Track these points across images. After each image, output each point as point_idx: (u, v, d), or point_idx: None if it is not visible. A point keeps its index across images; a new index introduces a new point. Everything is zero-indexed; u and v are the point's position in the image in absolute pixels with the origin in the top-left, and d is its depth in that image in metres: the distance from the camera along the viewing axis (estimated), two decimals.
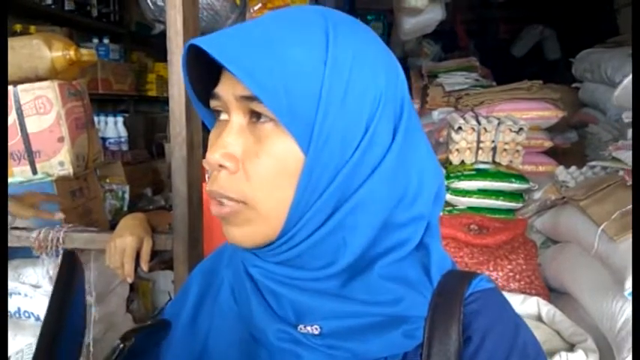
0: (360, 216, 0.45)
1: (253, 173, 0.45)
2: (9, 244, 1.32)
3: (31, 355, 0.93)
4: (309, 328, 0.47)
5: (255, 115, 0.45)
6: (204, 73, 0.49)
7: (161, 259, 1.75)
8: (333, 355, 0.47)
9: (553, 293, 1.71)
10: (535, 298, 1.52)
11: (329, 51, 0.43)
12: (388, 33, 4.61)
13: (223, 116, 0.48)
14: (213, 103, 0.48)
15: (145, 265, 1.16)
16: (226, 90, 0.46)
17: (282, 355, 0.48)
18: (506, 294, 1.64)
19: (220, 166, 0.45)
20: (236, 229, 0.47)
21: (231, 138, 0.45)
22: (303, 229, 0.45)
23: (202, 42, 0.43)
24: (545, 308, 1.48)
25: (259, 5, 2.46)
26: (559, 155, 2.49)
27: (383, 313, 0.47)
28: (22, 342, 1.32)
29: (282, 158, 0.44)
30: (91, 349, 1.40)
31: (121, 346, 0.48)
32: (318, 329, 0.47)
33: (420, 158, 0.49)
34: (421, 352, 0.44)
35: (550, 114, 2.40)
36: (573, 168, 2.07)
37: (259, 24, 0.45)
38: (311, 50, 0.43)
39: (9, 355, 1.33)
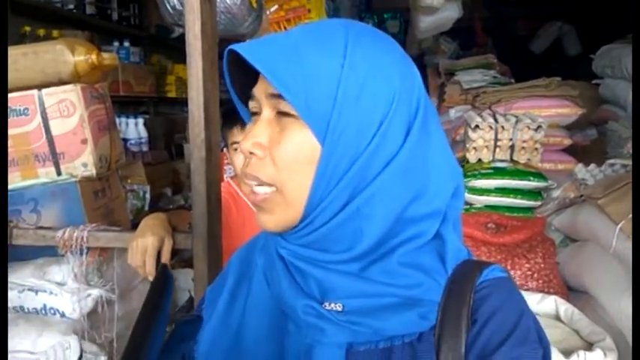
0: (376, 206, 0.50)
1: (277, 158, 0.51)
2: (35, 243, 1.36)
3: (63, 353, 0.98)
4: (333, 305, 0.52)
5: (282, 113, 0.51)
6: (246, 78, 0.55)
7: (181, 258, 1.78)
8: (355, 330, 0.51)
9: (571, 292, 1.70)
10: (553, 297, 1.51)
11: (346, 57, 0.49)
12: (405, 31, 4.60)
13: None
14: (251, 105, 0.55)
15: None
16: (260, 89, 0.53)
17: (308, 329, 0.53)
18: (524, 293, 1.64)
19: (250, 153, 0.52)
20: (267, 215, 0.53)
21: (260, 129, 0.52)
22: (322, 214, 0.51)
23: (239, 47, 0.50)
24: (564, 307, 1.47)
25: (275, 7, 2.48)
26: (578, 153, 2.46)
27: (400, 295, 0.51)
28: (49, 337, 1.36)
29: (300, 146, 0.50)
30: (115, 344, 1.43)
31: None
32: (341, 306, 0.52)
33: (437, 158, 0.53)
34: (434, 332, 0.50)
35: (569, 111, 2.37)
36: (593, 166, 2.05)
37: (289, 35, 0.53)
38: (330, 56, 0.49)
39: (36, 351, 1.37)
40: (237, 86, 0.58)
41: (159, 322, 0.56)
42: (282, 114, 0.51)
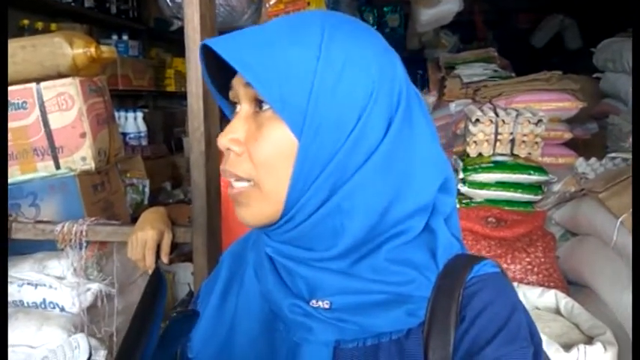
0: (357, 201, 0.49)
1: (254, 155, 0.50)
2: (34, 238, 1.36)
3: (72, 353, 0.98)
4: (320, 302, 0.52)
5: (259, 104, 0.51)
6: (226, 70, 0.54)
7: (181, 252, 1.78)
8: (342, 327, 0.51)
9: (572, 286, 1.70)
10: (553, 291, 1.51)
11: (322, 49, 0.48)
12: (405, 25, 4.58)
13: (238, 108, 0.54)
14: (231, 95, 0.55)
15: (165, 258, 1.19)
16: (237, 79, 0.52)
17: (296, 327, 0.53)
18: (524, 287, 1.63)
19: (228, 149, 0.52)
20: (244, 209, 0.53)
21: (237, 125, 0.52)
22: (302, 210, 0.50)
23: (211, 42, 0.50)
24: (564, 301, 1.47)
25: (275, 0, 2.47)
26: (579, 147, 2.45)
27: (389, 292, 0.50)
28: (48, 331, 1.36)
29: (277, 142, 0.49)
30: (115, 338, 1.43)
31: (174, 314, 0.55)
32: (329, 304, 0.51)
33: (422, 151, 0.52)
34: (423, 329, 0.49)
35: (570, 105, 2.36)
36: (593, 159, 2.05)
37: (263, 28, 0.51)
38: (305, 48, 0.48)
39: (35, 345, 1.37)
40: (218, 81, 0.57)
41: (153, 323, 0.55)
42: (259, 108, 0.51)
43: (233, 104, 0.55)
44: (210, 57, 0.53)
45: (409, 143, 0.51)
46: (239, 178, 0.52)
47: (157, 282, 0.60)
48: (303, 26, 0.50)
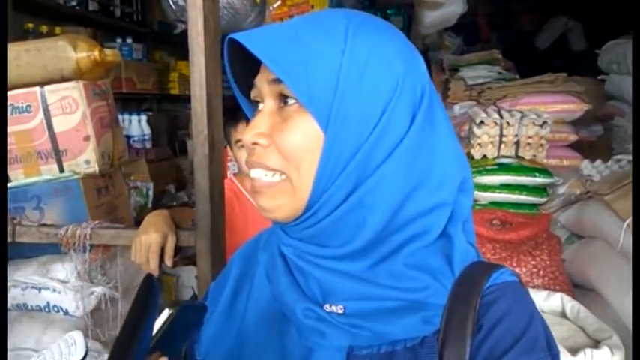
0: (379, 196, 0.49)
1: (282, 146, 0.50)
2: (38, 241, 1.36)
3: (68, 350, 0.97)
4: (334, 307, 0.51)
5: (283, 100, 0.51)
6: (248, 70, 0.54)
7: (184, 255, 1.78)
8: (356, 333, 0.50)
9: (577, 289, 1.69)
10: (559, 294, 1.50)
11: (347, 43, 0.49)
12: (408, 27, 4.58)
13: (260, 106, 0.54)
14: (253, 93, 0.55)
15: (169, 261, 1.18)
16: (261, 77, 0.52)
17: (309, 332, 0.52)
18: (529, 290, 1.61)
19: (254, 144, 0.52)
20: (270, 200, 0.52)
21: (261, 121, 0.52)
22: (326, 205, 0.50)
23: (239, 36, 0.50)
24: (570, 304, 1.46)
25: (278, 3, 2.47)
26: (584, 149, 2.45)
27: (404, 298, 0.50)
28: (53, 335, 1.36)
29: (304, 133, 0.49)
30: None
31: (171, 311, 0.55)
32: (343, 309, 0.51)
33: (442, 147, 0.52)
34: (438, 337, 0.48)
35: (575, 107, 2.35)
36: (599, 162, 2.04)
37: (289, 23, 0.52)
38: (331, 42, 0.49)
39: (40, 348, 1.37)
40: (239, 77, 0.57)
41: (144, 327, 0.54)
42: (284, 104, 0.51)
43: (254, 103, 0.55)
44: (234, 56, 0.53)
45: (431, 139, 0.51)
46: (268, 170, 0.51)
47: (149, 286, 0.59)
48: (328, 22, 0.51)
